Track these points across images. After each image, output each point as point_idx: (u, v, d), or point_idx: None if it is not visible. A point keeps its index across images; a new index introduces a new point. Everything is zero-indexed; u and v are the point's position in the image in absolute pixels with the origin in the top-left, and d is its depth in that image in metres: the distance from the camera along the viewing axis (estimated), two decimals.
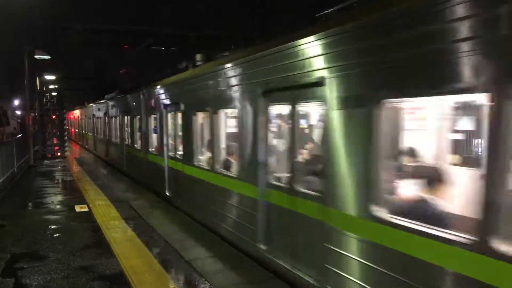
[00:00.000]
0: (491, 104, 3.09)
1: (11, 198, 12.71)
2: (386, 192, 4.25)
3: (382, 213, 4.07)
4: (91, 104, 29.44)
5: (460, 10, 3.32)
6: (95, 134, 27.37)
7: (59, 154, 25.99)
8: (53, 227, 9.31)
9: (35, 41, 20.88)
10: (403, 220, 3.89)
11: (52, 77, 28.80)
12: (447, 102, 4.86)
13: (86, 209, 10.90)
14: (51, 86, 34.37)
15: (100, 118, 23.83)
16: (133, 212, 10.58)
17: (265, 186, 6.41)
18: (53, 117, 27.54)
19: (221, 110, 8.12)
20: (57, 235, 8.70)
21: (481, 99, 3.20)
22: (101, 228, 9.08)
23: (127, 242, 8.06)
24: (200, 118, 9.45)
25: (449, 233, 3.46)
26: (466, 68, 3.28)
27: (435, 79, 3.53)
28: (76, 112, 39.40)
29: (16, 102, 51.44)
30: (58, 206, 11.55)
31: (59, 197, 12.91)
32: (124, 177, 16.89)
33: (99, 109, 24.83)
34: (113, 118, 19.66)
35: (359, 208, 4.40)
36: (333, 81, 4.75)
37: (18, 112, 51.59)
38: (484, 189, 3.14)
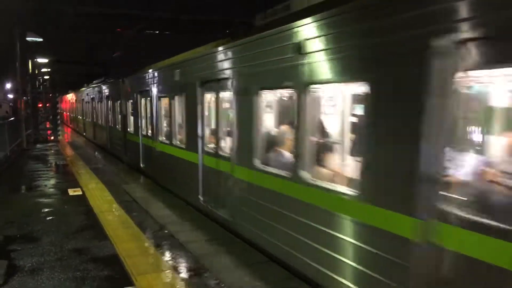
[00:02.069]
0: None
1: (3, 181, 12.62)
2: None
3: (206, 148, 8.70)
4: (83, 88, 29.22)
5: None
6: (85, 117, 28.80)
7: (51, 138, 25.80)
8: (46, 210, 9.27)
9: (26, 24, 20.54)
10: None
11: (45, 60, 28.40)
12: None
13: (80, 193, 10.85)
14: (44, 70, 33.98)
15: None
16: (126, 196, 10.56)
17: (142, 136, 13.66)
18: (47, 104, 27.22)
19: (143, 98, 13.43)
20: (50, 218, 8.67)
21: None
22: (94, 211, 9.05)
23: (121, 225, 8.04)
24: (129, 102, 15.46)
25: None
26: None
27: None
28: (70, 96, 39.03)
29: (8, 86, 50.87)
30: (51, 190, 11.48)
31: (52, 181, 12.83)
32: (118, 161, 16.84)
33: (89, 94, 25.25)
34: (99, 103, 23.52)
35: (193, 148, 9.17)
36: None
37: (10, 96, 51.06)
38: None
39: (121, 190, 11.25)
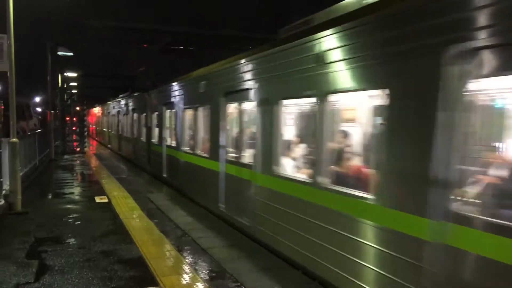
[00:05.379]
0: None
1: (33, 189, 13.06)
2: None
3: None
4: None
5: None
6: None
7: (78, 149, 26.55)
8: (74, 215, 9.60)
9: (56, 38, 21.39)
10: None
11: (74, 74, 29.37)
12: None
13: (106, 200, 11.19)
14: (72, 84, 35.05)
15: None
16: (151, 204, 10.83)
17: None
18: (74, 117, 28.09)
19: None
20: (78, 222, 8.99)
21: None
22: (120, 217, 9.33)
23: (145, 231, 8.29)
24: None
25: None
26: None
27: None
28: (98, 110, 39.93)
29: (37, 99, 52.51)
30: (78, 197, 11.87)
31: (79, 189, 13.25)
32: (143, 172, 17.22)
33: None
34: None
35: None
36: None
37: (39, 109, 52.67)
38: None
39: (145, 198, 11.53)
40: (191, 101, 11.54)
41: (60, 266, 6.32)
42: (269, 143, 7.03)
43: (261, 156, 7.32)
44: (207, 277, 5.95)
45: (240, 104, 8.47)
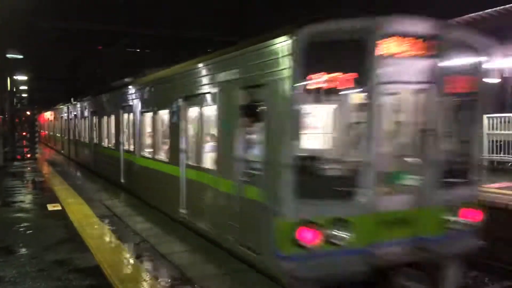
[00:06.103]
0: None
1: None
2: None
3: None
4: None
5: None
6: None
7: (29, 155, 25.47)
8: (25, 224, 9.25)
9: (7, 40, 20.55)
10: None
11: (24, 78, 28.22)
12: None
13: (59, 208, 10.83)
14: (22, 87, 33.69)
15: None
16: (106, 210, 10.60)
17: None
18: (23, 119, 26.97)
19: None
20: (30, 231, 8.67)
21: None
22: (74, 225, 9.06)
23: (101, 238, 8.11)
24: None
25: None
26: None
27: None
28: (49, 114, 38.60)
29: None
30: (29, 205, 11.43)
31: (31, 197, 12.76)
32: (97, 178, 16.80)
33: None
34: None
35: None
36: None
37: None
38: None
39: (100, 205, 11.26)
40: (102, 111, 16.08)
41: (11, 277, 6.08)
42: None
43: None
44: (167, 284, 5.91)
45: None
